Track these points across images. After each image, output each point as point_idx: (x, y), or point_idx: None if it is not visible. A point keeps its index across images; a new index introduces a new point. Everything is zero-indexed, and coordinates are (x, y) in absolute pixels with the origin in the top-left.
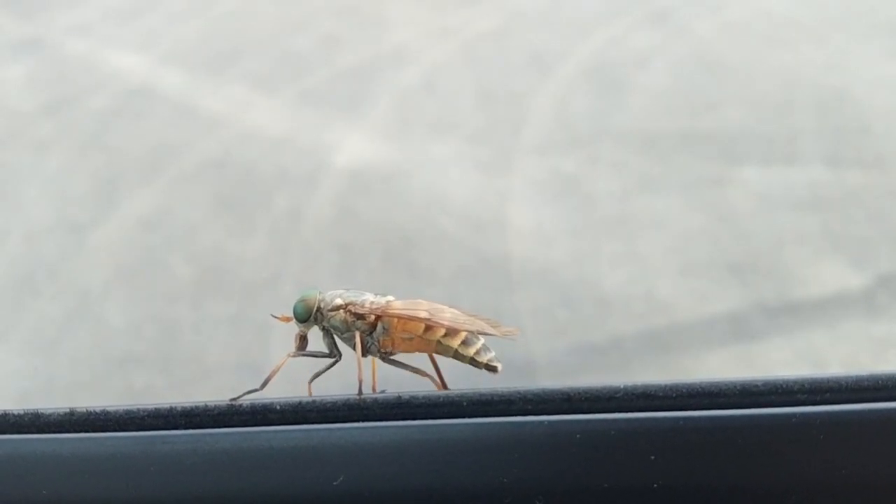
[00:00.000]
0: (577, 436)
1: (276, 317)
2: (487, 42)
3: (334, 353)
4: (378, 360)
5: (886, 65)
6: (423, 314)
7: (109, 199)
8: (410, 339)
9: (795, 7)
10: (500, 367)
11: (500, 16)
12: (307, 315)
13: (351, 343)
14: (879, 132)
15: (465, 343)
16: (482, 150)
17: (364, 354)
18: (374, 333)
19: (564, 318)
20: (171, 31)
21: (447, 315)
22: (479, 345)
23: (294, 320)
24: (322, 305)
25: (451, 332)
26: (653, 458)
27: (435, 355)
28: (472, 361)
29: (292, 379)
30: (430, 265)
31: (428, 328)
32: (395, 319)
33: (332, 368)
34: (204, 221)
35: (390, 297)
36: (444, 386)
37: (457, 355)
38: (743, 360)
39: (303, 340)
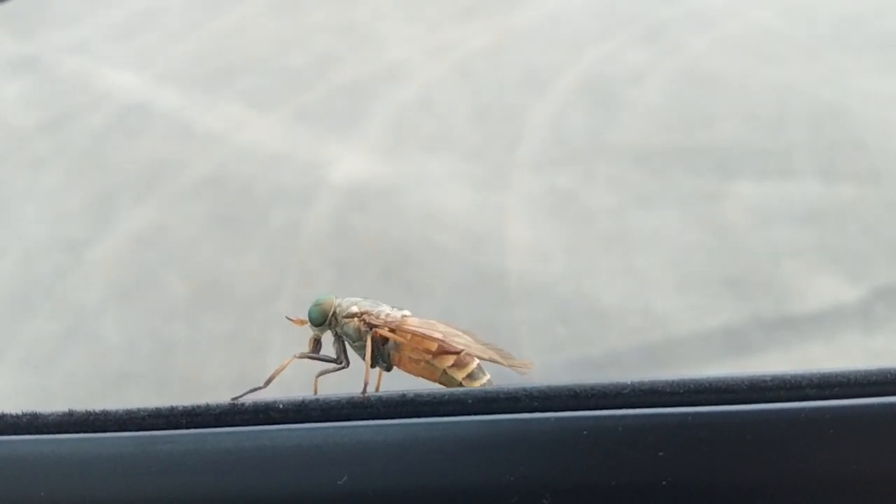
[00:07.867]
0: (585, 432)
1: (291, 319)
2: (483, 59)
3: (342, 360)
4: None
5: (879, 79)
6: (437, 335)
7: (105, 217)
8: (417, 362)
9: (788, 22)
10: None
11: (495, 33)
12: (322, 319)
13: (361, 352)
14: (873, 146)
15: (470, 377)
16: (478, 167)
17: (372, 365)
18: (386, 346)
19: (561, 333)
20: (167, 49)
21: (460, 340)
22: (484, 380)
23: (308, 324)
24: (337, 311)
25: (459, 363)
26: (661, 454)
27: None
28: None
29: (297, 381)
30: (426, 281)
31: (438, 354)
32: (408, 336)
33: (339, 376)
34: (200, 238)
35: (406, 312)
36: None
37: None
38: None
39: (316, 344)
